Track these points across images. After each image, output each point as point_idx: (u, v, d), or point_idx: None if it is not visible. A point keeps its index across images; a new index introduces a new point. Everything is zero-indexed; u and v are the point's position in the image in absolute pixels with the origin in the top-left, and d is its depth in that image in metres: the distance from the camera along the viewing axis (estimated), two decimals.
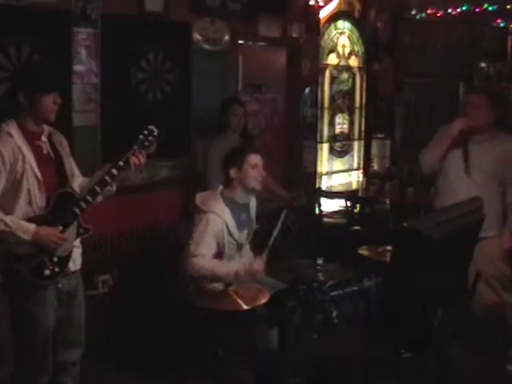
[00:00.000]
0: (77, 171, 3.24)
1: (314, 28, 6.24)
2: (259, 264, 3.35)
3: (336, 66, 7.05)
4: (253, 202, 3.73)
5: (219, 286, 3.21)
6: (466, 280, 3.00)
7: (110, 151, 3.96)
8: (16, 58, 3.86)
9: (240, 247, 3.58)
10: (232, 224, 3.49)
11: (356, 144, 7.58)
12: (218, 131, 4.80)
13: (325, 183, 7.02)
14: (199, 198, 3.57)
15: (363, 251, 3.87)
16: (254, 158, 3.58)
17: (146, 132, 3.13)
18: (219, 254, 3.46)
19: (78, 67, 4.23)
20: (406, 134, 7.83)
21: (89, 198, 3.00)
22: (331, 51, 6.92)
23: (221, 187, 3.61)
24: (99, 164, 3.33)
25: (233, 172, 3.55)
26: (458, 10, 7.08)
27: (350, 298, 3.48)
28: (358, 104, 7.52)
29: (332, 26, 6.82)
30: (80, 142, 4.17)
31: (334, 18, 6.74)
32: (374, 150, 7.71)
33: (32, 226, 2.88)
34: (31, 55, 3.92)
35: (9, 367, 3.21)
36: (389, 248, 3.59)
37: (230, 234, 3.49)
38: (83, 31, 4.23)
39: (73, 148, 3.56)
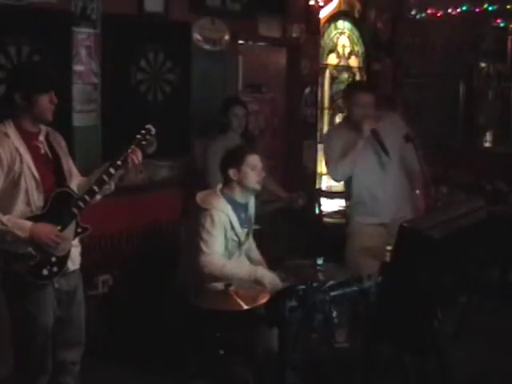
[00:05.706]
0: (75, 171, 3.23)
1: (314, 28, 6.23)
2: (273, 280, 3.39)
3: (336, 66, 7.04)
4: (251, 203, 3.72)
5: (219, 285, 3.20)
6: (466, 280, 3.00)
7: (110, 151, 3.94)
8: (16, 57, 3.86)
9: (240, 245, 3.58)
10: (234, 219, 3.48)
11: None
12: (218, 131, 4.78)
13: (325, 183, 7.00)
14: (200, 197, 3.56)
15: None
16: (253, 159, 3.56)
17: (143, 131, 3.13)
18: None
19: (78, 67, 4.23)
20: None
21: (87, 197, 3.00)
22: (331, 51, 6.91)
23: (220, 186, 3.59)
24: (99, 164, 3.33)
25: (232, 173, 3.52)
26: (458, 9, 7.09)
27: (350, 298, 3.47)
28: None
29: (332, 25, 6.82)
30: (80, 141, 4.17)
31: (334, 17, 6.73)
32: None
33: (29, 223, 2.87)
34: (31, 55, 3.92)
35: (9, 367, 3.20)
36: (389, 248, 3.59)
37: (233, 230, 3.48)
38: (83, 31, 4.22)
39: (73, 148, 3.56)
